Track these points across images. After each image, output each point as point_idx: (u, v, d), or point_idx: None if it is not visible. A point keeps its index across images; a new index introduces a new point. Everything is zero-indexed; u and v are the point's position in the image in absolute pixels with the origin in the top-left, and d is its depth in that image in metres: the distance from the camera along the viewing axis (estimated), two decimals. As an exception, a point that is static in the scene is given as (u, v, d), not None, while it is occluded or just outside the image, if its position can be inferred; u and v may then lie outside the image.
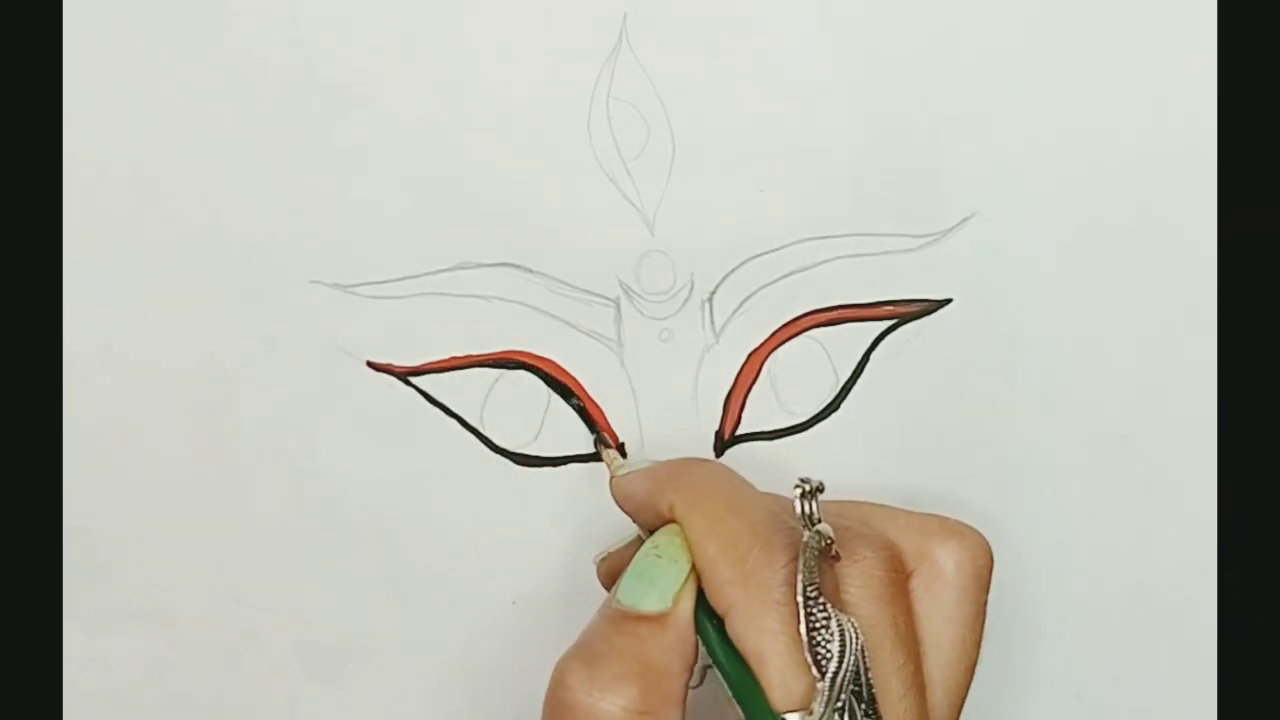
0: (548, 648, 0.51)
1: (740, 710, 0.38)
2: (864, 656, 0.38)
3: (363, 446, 0.50)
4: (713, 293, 0.50)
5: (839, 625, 0.38)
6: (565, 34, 0.48)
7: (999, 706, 0.52)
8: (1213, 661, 0.50)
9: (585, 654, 0.39)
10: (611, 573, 0.46)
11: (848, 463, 0.51)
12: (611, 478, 0.46)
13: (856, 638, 0.38)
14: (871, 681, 0.38)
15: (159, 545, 0.50)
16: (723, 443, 0.51)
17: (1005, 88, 0.49)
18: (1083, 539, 0.52)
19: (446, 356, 0.50)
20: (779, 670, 0.38)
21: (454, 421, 0.50)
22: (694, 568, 0.41)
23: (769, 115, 0.49)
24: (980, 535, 0.42)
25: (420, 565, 0.51)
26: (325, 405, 0.50)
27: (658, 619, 0.40)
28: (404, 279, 0.49)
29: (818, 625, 0.37)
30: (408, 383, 0.50)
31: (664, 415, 0.50)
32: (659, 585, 0.40)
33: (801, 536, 0.39)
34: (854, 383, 0.51)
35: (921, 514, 0.43)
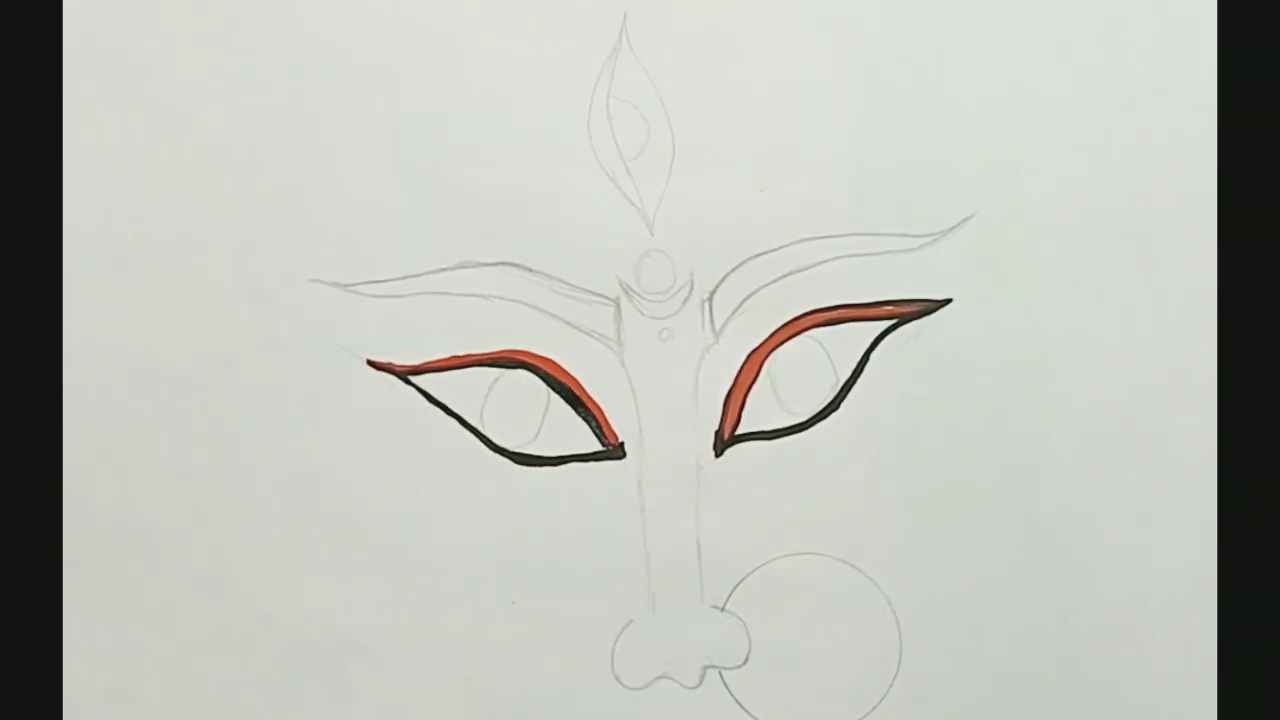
0: (548, 648, 0.51)
1: None
2: None
3: (363, 446, 0.50)
4: (713, 292, 0.50)
5: None
6: (565, 34, 0.48)
7: (999, 706, 0.52)
8: (1213, 661, 0.50)
9: None
10: None
11: (848, 463, 0.51)
12: None
13: None
14: None
15: (159, 543, 0.50)
16: (722, 443, 0.51)
17: (1005, 88, 0.49)
18: (1082, 539, 0.52)
19: (447, 355, 0.50)
20: None
21: (454, 421, 0.50)
22: None
23: (769, 115, 0.49)
24: None
25: (420, 565, 0.51)
26: (325, 404, 0.50)
27: None
28: (405, 278, 0.49)
29: None
30: (408, 382, 0.50)
31: (664, 415, 0.50)
32: None
33: None
34: (854, 383, 0.51)
35: None
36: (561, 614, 0.51)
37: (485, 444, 0.50)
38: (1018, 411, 0.51)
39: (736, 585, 0.51)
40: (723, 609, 0.52)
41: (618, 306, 0.50)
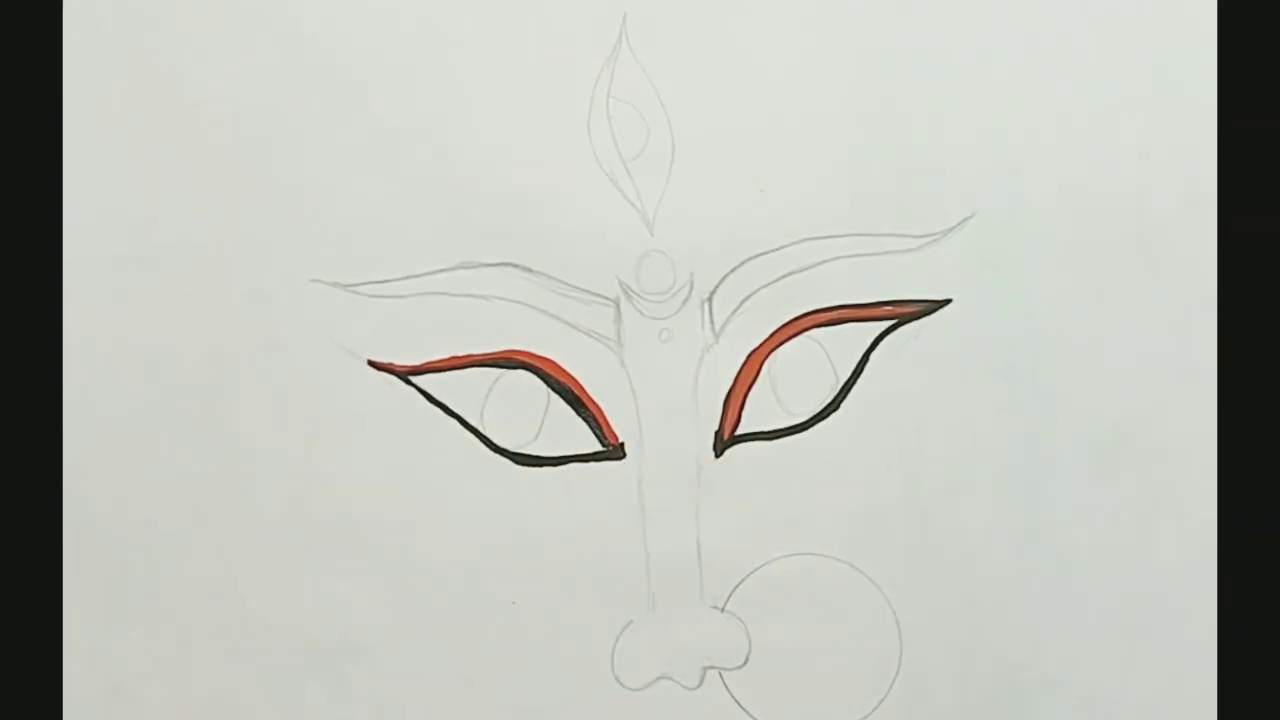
0: (548, 648, 0.51)
1: None
2: None
3: (363, 446, 0.50)
4: (712, 293, 0.50)
5: None
6: (565, 34, 0.48)
7: (999, 707, 0.52)
8: (1213, 661, 0.50)
9: None
10: None
11: (848, 463, 0.51)
12: None
13: None
14: None
15: (160, 543, 0.50)
16: (722, 443, 0.51)
17: (1005, 88, 0.49)
18: (1083, 539, 0.52)
19: (447, 356, 0.50)
20: None
21: (454, 421, 0.50)
22: None
23: (769, 115, 0.49)
24: None
25: (420, 565, 0.51)
26: (326, 405, 0.50)
27: None
28: (405, 278, 0.49)
29: None
30: (408, 382, 0.50)
31: (664, 415, 0.50)
32: None
33: None
34: (854, 383, 0.51)
35: None
36: (561, 614, 0.51)
37: (485, 444, 0.50)
38: (1018, 411, 0.51)
39: (736, 586, 0.51)
40: (723, 609, 0.52)
41: (617, 307, 0.50)
